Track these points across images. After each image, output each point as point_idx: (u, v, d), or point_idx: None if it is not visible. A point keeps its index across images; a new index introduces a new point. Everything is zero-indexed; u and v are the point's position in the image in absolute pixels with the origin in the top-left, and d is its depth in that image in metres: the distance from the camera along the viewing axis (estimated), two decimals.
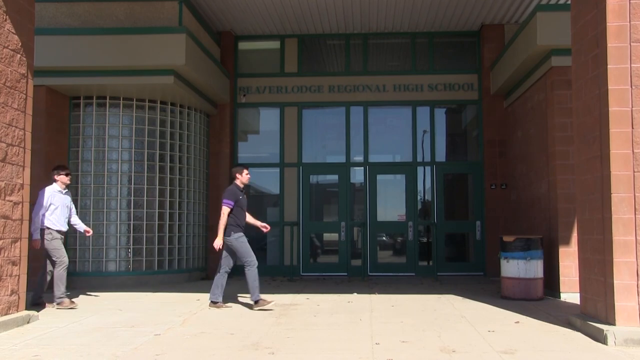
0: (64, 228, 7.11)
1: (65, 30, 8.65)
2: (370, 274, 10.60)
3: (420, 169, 11.02)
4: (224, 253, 6.97)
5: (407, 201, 10.94)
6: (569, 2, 6.87)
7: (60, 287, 6.88)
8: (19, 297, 5.91)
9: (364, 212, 10.95)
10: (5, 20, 5.71)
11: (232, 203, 6.85)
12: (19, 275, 5.92)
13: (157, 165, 9.49)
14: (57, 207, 7.01)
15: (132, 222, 9.22)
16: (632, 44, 5.13)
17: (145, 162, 9.37)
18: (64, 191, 7.17)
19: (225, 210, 6.82)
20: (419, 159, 11.00)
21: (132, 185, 9.24)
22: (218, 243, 6.81)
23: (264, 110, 11.53)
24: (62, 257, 6.95)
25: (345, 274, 10.67)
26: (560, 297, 7.63)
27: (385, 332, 5.40)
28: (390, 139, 11.29)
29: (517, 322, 5.93)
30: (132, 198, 9.22)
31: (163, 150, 9.61)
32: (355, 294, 8.14)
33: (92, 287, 8.73)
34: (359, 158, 11.09)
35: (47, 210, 6.90)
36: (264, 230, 7.41)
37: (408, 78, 11.05)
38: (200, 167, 10.48)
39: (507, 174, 10.36)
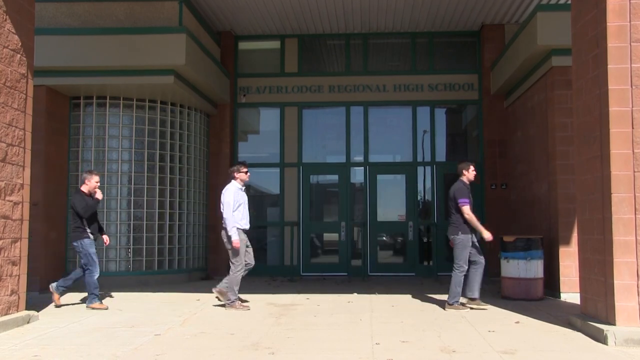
0: (247, 226, 6.99)
1: (65, 30, 8.65)
2: (371, 274, 10.60)
3: (420, 169, 11.02)
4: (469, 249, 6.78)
5: (407, 201, 10.94)
6: (569, 2, 6.86)
7: (234, 290, 6.77)
8: (19, 297, 5.91)
9: (364, 212, 10.94)
10: (5, 20, 5.71)
11: (469, 200, 6.73)
12: (19, 275, 5.92)
13: (157, 165, 9.49)
14: (241, 205, 6.89)
15: (132, 222, 9.22)
16: (632, 44, 5.12)
17: (146, 162, 9.37)
18: (243, 188, 7.09)
19: (467, 209, 6.66)
20: (419, 159, 10.99)
21: (132, 185, 9.24)
22: (488, 235, 6.72)
23: (264, 110, 11.53)
24: (240, 262, 6.81)
25: (346, 274, 10.66)
26: (560, 297, 7.63)
27: (385, 332, 5.40)
28: (390, 139, 11.28)
29: (517, 322, 5.93)
30: (132, 198, 9.22)
31: (163, 150, 9.60)
32: (356, 294, 8.14)
33: None
34: (359, 158, 11.09)
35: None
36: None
37: (408, 78, 11.05)
38: (200, 167, 10.48)
39: (507, 174, 10.35)
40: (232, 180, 7.02)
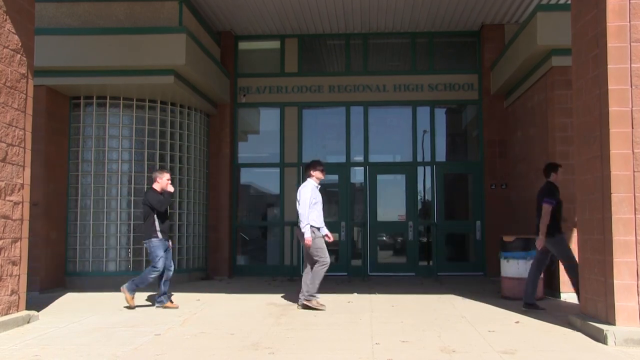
0: (323, 225, 6.91)
1: (66, 30, 8.65)
2: (371, 274, 10.60)
3: (420, 169, 11.02)
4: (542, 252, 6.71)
5: (407, 201, 10.94)
6: (569, 2, 6.86)
7: (315, 284, 6.70)
8: (19, 297, 5.91)
9: (364, 212, 10.94)
10: (5, 20, 5.71)
11: (555, 202, 6.63)
12: (19, 275, 5.92)
13: (157, 165, 9.48)
14: (317, 203, 6.84)
15: (132, 222, 9.21)
16: (632, 44, 5.12)
17: (146, 162, 9.37)
18: (319, 187, 7.03)
19: (548, 209, 6.55)
20: (419, 159, 11.00)
21: (132, 185, 9.24)
22: (540, 243, 6.58)
23: (264, 110, 11.53)
24: (325, 256, 6.74)
25: (346, 274, 10.66)
26: (560, 297, 7.62)
27: (385, 332, 5.40)
28: (390, 139, 11.29)
29: (517, 322, 5.93)
30: (132, 198, 9.22)
31: (163, 150, 9.61)
32: (356, 294, 8.14)
33: (92, 287, 8.73)
34: (359, 158, 11.09)
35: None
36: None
37: (408, 78, 11.06)
38: (200, 167, 10.48)
39: (507, 174, 10.36)
40: (308, 179, 7.00)
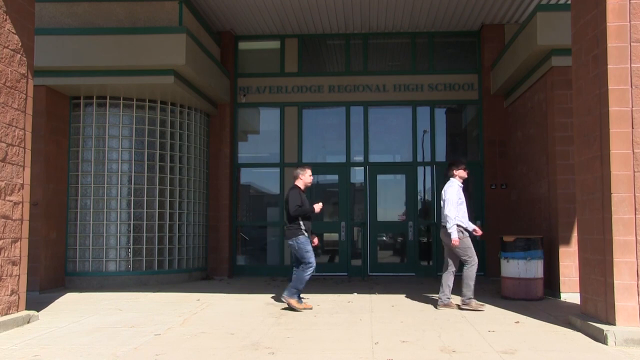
0: (469, 225, 6.85)
1: (65, 30, 8.64)
2: (371, 274, 10.60)
3: (420, 169, 11.02)
4: None
5: (407, 201, 10.94)
6: (569, 2, 6.87)
7: (470, 286, 6.64)
8: (19, 297, 5.91)
9: (364, 212, 10.94)
10: (5, 20, 5.71)
11: None
12: (19, 275, 5.92)
13: (157, 165, 9.49)
14: (463, 203, 6.82)
15: (132, 222, 9.22)
16: (632, 44, 5.13)
17: (146, 162, 9.37)
18: (462, 186, 6.98)
19: None
20: (419, 159, 11.00)
21: (132, 185, 9.24)
22: None
23: (264, 110, 11.53)
24: (473, 256, 6.68)
25: (346, 274, 10.66)
26: (560, 297, 7.63)
27: (385, 332, 5.40)
28: (390, 139, 11.29)
29: (517, 322, 5.93)
30: (132, 198, 9.22)
31: (163, 150, 9.61)
32: (356, 294, 8.14)
33: (92, 287, 8.75)
34: (359, 158, 11.09)
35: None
36: None
37: (408, 78, 11.06)
38: (200, 167, 10.48)
39: (507, 174, 10.35)
40: (452, 178, 6.99)
